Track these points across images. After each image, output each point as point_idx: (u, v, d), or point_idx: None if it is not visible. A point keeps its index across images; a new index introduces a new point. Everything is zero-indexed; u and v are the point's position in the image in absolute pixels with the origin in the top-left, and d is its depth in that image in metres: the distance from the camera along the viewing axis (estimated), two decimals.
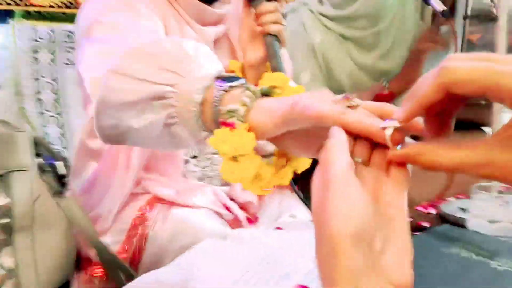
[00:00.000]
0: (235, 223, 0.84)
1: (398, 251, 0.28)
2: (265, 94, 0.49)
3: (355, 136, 0.35)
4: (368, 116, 0.35)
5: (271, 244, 0.67)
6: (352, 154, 0.33)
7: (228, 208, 0.84)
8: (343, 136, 0.33)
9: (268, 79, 0.50)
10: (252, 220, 0.86)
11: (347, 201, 0.28)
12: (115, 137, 0.55)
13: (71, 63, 1.25)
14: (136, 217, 0.79)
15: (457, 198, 1.09)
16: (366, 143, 0.35)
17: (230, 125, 0.47)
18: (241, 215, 0.84)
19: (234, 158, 0.48)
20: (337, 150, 0.32)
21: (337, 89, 1.36)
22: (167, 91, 0.48)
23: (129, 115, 0.51)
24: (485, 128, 1.22)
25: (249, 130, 0.47)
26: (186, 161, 0.87)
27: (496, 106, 1.00)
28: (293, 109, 0.41)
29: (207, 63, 0.50)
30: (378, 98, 1.40)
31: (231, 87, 0.47)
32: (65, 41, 1.25)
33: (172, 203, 0.80)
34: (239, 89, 0.46)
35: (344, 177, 0.30)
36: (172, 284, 0.60)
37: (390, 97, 1.42)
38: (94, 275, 0.77)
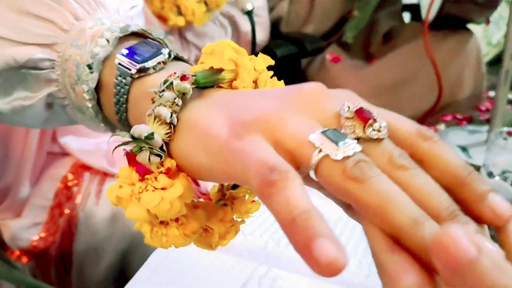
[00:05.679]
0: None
1: None
2: (204, 85, 0.26)
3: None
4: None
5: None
6: None
7: None
8: None
9: (210, 51, 0.26)
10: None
11: None
12: None
13: None
14: (58, 191, 0.58)
15: (458, 123, 0.76)
16: None
17: (140, 170, 0.25)
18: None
19: (157, 222, 0.27)
20: None
21: None
22: (39, 59, 0.27)
23: None
24: (470, 26, 0.96)
25: (178, 169, 0.25)
26: None
27: None
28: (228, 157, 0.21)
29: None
30: None
31: (144, 69, 0.26)
32: None
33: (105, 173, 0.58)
34: (158, 75, 0.26)
35: None
36: None
37: None
38: None
